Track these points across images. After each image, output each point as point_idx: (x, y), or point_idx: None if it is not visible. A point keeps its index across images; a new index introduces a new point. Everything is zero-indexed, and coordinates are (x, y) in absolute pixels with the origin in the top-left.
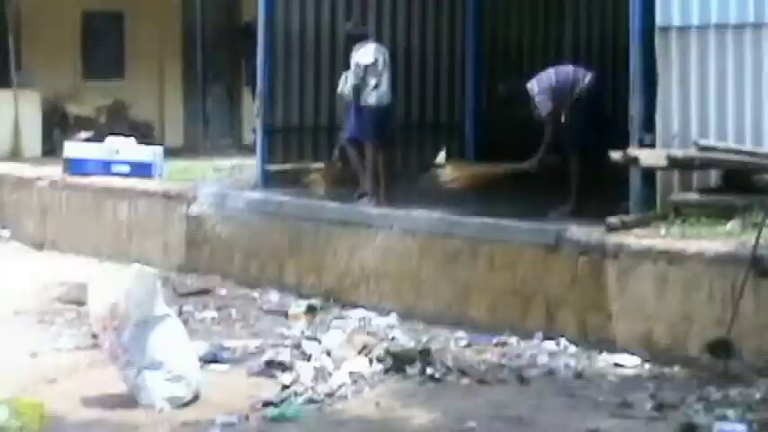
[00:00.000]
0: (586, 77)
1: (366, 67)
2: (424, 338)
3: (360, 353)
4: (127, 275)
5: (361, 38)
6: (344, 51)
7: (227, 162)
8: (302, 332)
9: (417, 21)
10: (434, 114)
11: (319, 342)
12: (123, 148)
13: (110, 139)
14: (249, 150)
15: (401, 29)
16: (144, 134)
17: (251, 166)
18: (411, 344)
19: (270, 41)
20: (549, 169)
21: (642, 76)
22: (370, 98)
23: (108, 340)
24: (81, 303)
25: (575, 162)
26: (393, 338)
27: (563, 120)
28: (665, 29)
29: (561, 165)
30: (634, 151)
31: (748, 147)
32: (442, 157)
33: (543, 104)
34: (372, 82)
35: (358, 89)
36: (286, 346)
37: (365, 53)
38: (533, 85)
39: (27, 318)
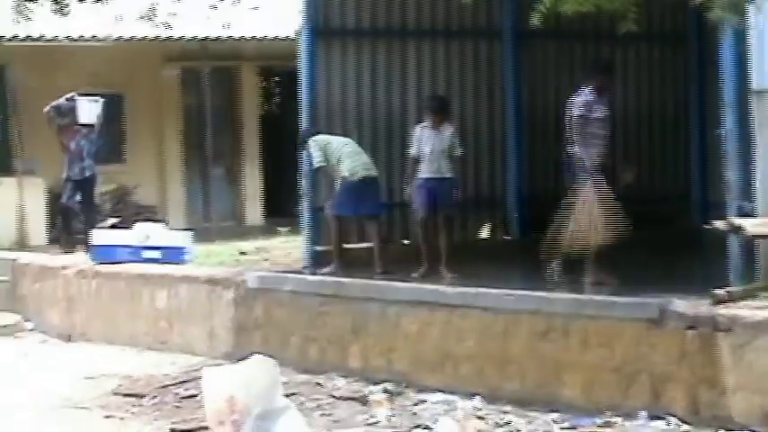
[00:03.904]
0: None
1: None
2: (523, 421)
3: None
4: (245, 365)
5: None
6: (386, 125)
7: (248, 244)
8: (389, 419)
9: (457, 92)
10: (476, 189)
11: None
12: (154, 233)
13: (139, 225)
14: (256, 231)
15: None
16: (148, 218)
17: (276, 246)
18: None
19: (313, 118)
20: None
21: (738, 142)
22: None
23: None
24: (140, 396)
25: None
26: (509, 423)
27: None
28: (762, 92)
29: None
30: (737, 220)
31: None
32: (485, 231)
33: None
34: None
35: None
36: None
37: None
38: None
39: (89, 413)
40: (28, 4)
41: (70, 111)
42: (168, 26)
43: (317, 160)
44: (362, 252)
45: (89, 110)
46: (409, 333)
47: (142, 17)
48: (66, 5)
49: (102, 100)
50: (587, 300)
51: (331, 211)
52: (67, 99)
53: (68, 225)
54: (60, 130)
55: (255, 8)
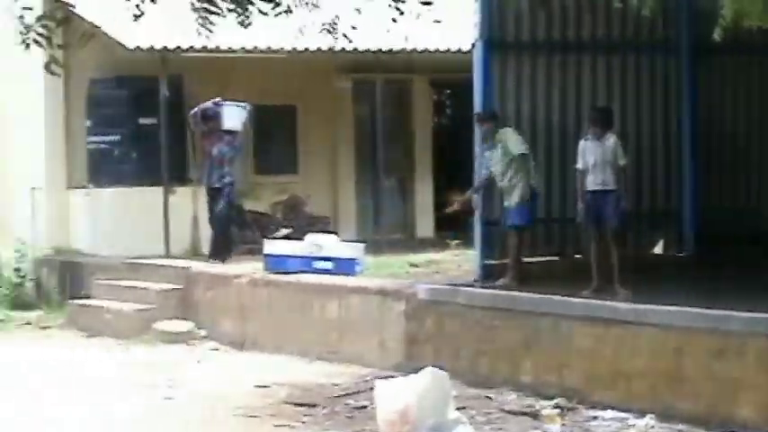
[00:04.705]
0: None
1: None
2: None
3: None
4: (418, 377)
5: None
6: (560, 138)
7: (419, 257)
8: None
9: (631, 105)
10: (651, 204)
11: None
12: (326, 244)
13: (311, 236)
14: (426, 244)
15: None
16: (320, 229)
17: (447, 259)
18: None
19: None
20: None
21: None
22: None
23: None
24: (311, 405)
25: None
26: None
27: None
28: None
29: None
30: None
31: None
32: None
33: None
34: None
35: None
36: None
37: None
38: None
39: (261, 422)
40: (211, 16)
41: (215, 116)
42: (348, 39)
43: (524, 146)
44: (535, 266)
45: (234, 116)
46: (582, 348)
47: (323, 29)
48: (248, 17)
49: (248, 106)
50: (764, 318)
51: (512, 221)
52: (214, 104)
53: (229, 233)
54: (203, 136)
55: (438, 21)
